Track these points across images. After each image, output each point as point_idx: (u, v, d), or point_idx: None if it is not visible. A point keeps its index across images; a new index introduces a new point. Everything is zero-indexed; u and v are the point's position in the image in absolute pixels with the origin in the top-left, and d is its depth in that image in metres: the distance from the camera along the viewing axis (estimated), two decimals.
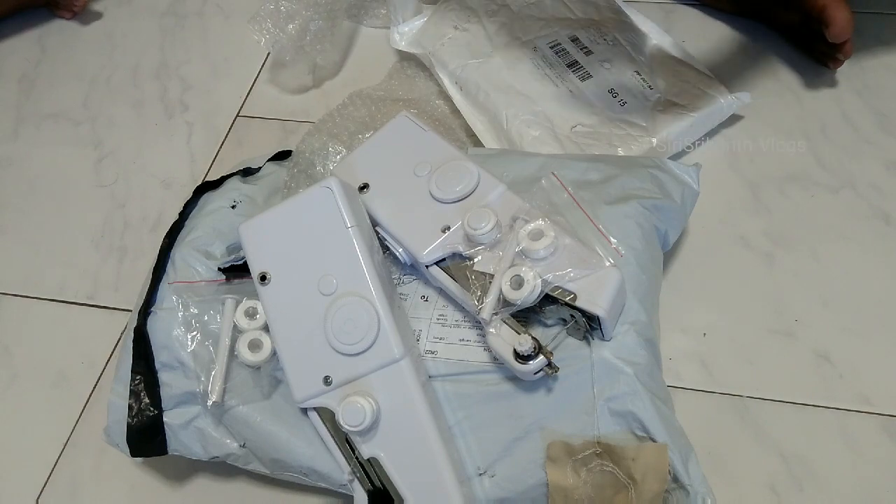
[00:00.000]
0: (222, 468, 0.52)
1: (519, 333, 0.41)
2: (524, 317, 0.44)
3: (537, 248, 0.42)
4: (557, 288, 0.42)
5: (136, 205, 0.69)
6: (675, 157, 0.63)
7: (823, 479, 0.48)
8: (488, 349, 0.44)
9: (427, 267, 0.46)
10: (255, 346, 0.46)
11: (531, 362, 0.40)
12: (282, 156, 0.61)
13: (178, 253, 0.52)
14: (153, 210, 0.68)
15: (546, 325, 0.44)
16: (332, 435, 0.43)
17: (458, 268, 0.45)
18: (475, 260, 0.44)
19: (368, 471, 0.42)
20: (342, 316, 0.43)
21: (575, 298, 0.41)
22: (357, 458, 0.42)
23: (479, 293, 0.43)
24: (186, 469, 0.53)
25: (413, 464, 0.42)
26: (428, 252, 0.46)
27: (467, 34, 0.70)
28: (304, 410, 0.44)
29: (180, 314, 0.49)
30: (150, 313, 0.50)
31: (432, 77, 0.70)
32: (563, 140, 0.61)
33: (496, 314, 0.42)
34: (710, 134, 0.65)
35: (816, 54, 0.69)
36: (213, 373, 0.47)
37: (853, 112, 0.66)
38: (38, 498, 0.53)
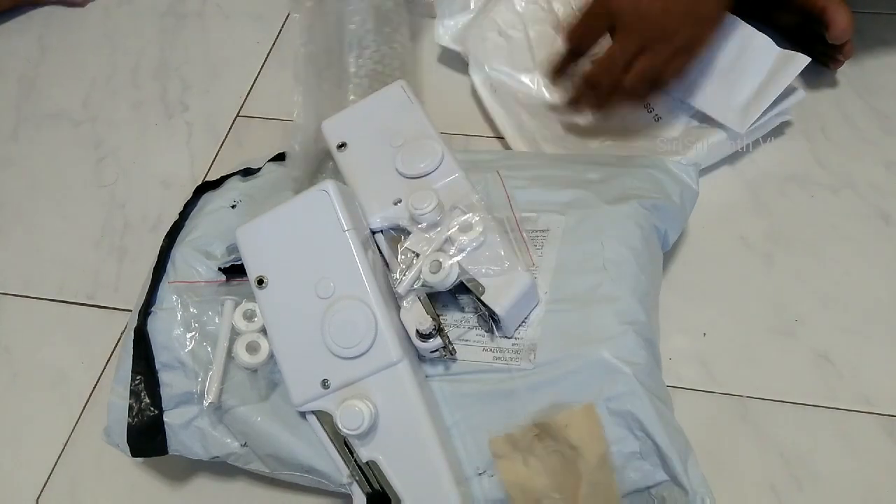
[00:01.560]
0: (223, 468, 0.52)
1: (427, 314, 0.43)
2: (447, 300, 0.46)
3: (463, 239, 0.44)
4: (473, 279, 0.44)
5: (136, 205, 0.69)
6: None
7: (823, 479, 0.48)
8: (487, 349, 0.45)
9: (373, 233, 0.48)
10: (252, 348, 0.46)
11: (429, 341, 0.43)
12: (282, 157, 0.61)
13: (179, 253, 0.52)
14: (153, 210, 0.68)
15: (463, 312, 0.46)
16: (330, 438, 0.43)
17: (396, 241, 0.47)
18: (407, 238, 0.46)
19: (367, 473, 0.42)
20: (339, 319, 0.43)
21: (483, 292, 0.43)
22: (356, 460, 0.43)
23: (402, 268, 0.45)
24: (187, 469, 0.53)
25: (412, 466, 0.42)
26: (373, 218, 0.48)
27: (511, 43, 0.69)
28: (303, 414, 0.44)
29: (179, 314, 0.49)
30: (150, 313, 0.50)
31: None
32: (590, 151, 0.61)
33: (412, 291, 0.44)
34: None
35: (816, 55, 0.69)
36: (209, 374, 0.47)
37: (853, 112, 0.66)
38: (38, 498, 0.53)
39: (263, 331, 0.46)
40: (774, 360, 0.53)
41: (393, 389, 0.42)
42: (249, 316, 0.47)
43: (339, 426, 0.41)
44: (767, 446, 0.49)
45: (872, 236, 0.58)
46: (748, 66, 0.60)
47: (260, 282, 0.45)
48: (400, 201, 0.47)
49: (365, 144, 0.51)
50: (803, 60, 0.59)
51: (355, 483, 0.43)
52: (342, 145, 0.52)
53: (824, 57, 0.67)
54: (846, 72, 0.68)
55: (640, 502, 0.42)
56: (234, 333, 0.47)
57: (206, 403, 0.46)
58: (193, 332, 0.48)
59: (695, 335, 0.55)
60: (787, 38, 0.71)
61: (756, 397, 0.51)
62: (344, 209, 0.45)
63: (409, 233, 0.47)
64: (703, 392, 0.52)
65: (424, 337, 0.43)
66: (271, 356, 0.46)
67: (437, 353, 0.44)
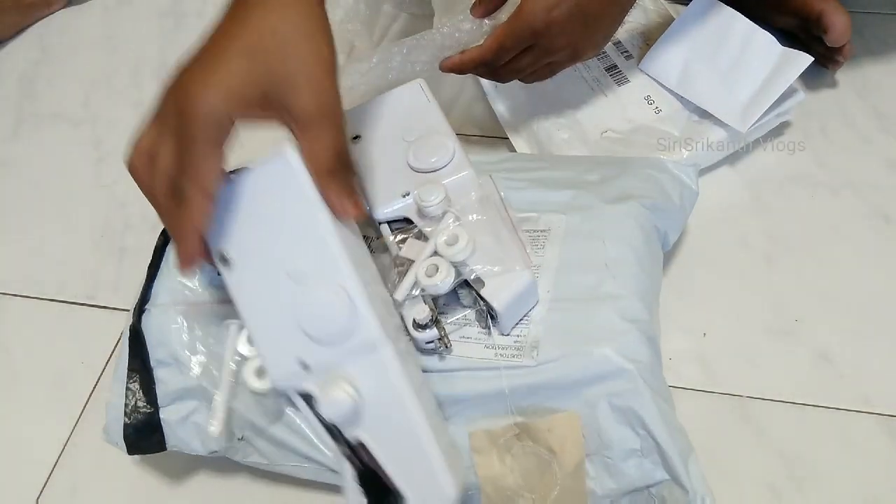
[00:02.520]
0: (223, 466, 0.52)
1: (425, 304, 0.44)
2: (449, 297, 0.46)
3: (449, 252, 0.44)
4: (474, 275, 0.44)
5: (137, 205, 0.69)
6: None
7: (823, 479, 0.48)
8: (489, 346, 0.45)
9: (379, 224, 0.49)
10: (261, 373, 0.44)
11: (426, 332, 0.43)
12: None
13: (173, 251, 0.52)
14: (153, 210, 0.68)
15: (464, 307, 0.46)
16: (316, 416, 0.41)
17: (401, 232, 0.48)
18: (402, 247, 0.46)
19: (358, 452, 0.41)
20: (315, 305, 0.40)
21: (482, 287, 0.44)
22: (346, 441, 0.41)
23: (396, 279, 0.45)
24: (187, 467, 0.53)
25: (402, 452, 0.40)
26: (382, 210, 0.48)
27: None
28: (286, 395, 0.42)
29: (185, 336, 0.48)
30: (144, 311, 0.50)
31: None
32: (591, 145, 0.61)
33: (411, 296, 0.44)
34: None
35: (815, 56, 0.69)
36: (214, 401, 0.45)
37: (853, 112, 0.66)
38: (38, 498, 0.53)
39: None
40: (774, 360, 0.53)
41: (377, 374, 0.40)
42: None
43: (322, 414, 0.40)
44: (767, 446, 0.49)
45: (872, 236, 0.58)
46: (750, 64, 0.60)
47: (223, 260, 0.41)
48: (409, 194, 0.48)
49: (379, 138, 0.52)
50: (806, 59, 0.59)
51: (346, 460, 0.41)
52: (356, 137, 0.52)
53: (823, 58, 0.68)
54: (846, 72, 0.68)
55: (641, 501, 0.42)
56: (241, 358, 0.45)
57: (211, 431, 0.45)
58: (199, 356, 0.47)
59: (695, 335, 0.55)
60: (786, 40, 0.71)
61: (756, 397, 0.51)
62: (308, 179, 0.40)
63: (414, 225, 0.47)
64: (703, 392, 0.52)
65: (421, 327, 0.44)
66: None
67: (433, 344, 0.44)
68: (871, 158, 0.63)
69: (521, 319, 0.45)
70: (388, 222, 0.49)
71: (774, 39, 0.60)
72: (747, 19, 0.61)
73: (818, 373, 0.52)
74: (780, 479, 0.48)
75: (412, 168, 0.49)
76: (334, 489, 0.49)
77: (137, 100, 0.78)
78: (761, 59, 0.60)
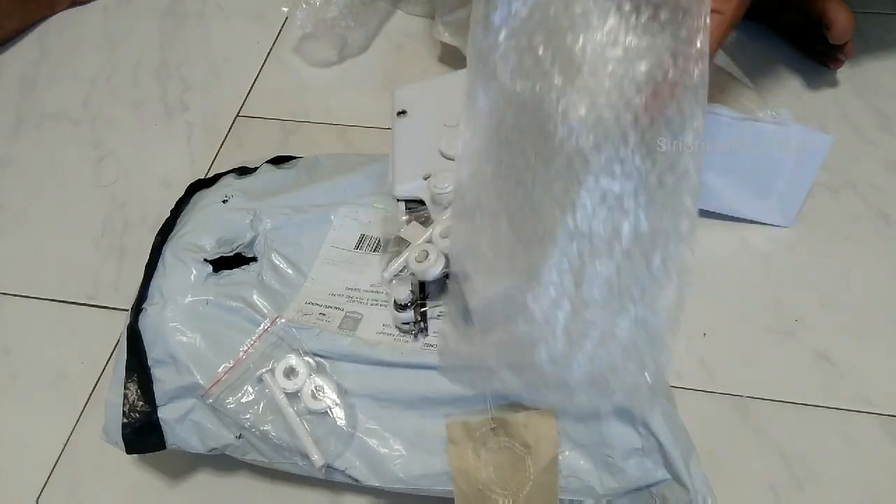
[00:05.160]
0: (222, 464, 0.52)
1: (409, 289, 0.46)
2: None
3: (443, 243, 0.45)
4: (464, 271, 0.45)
5: (136, 205, 0.69)
6: None
7: (823, 479, 0.48)
8: None
9: (398, 201, 0.51)
10: (315, 394, 0.45)
11: (403, 312, 0.45)
12: (279, 159, 0.61)
13: (169, 249, 0.52)
14: (153, 210, 0.68)
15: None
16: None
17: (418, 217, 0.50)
18: (402, 228, 0.48)
19: None
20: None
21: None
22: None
23: (391, 257, 0.47)
24: (187, 467, 0.53)
25: None
26: (400, 187, 0.50)
27: None
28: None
29: (219, 418, 0.47)
30: (141, 310, 0.50)
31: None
32: None
33: (400, 277, 0.47)
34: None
35: (817, 55, 0.69)
36: (302, 441, 0.45)
37: (853, 112, 0.66)
38: (38, 498, 0.53)
39: (315, 370, 0.46)
40: (774, 360, 0.53)
41: None
42: (289, 373, 0.46)
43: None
44: (767, 446, 0.49)
45: (872, 236, 0.58)
46: (770, 159, 0.56)
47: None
48: (430, 177, 0.49)
49: (422, 118, 0.53)
50: (826, 140, 0.55)
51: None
52: (402, 112, 0.53)
53: (824, 57, 0.68)
54: (846, 72, 0.68)
55: (642, 500, 0.42)
56: (291, 397, 0.46)
57: (320, 467, 0.44)
58: (250, 426, 0.46)
59: (695, 335, 0.55)
60: (788, 38, 0.71)
61: (756, 397, 0.51)
62: None
63: (426, 208, 0.49)
64: (703, 392, 0.52)
65: (401, 307, 0.45)
66: (339, 393, 0.45)
67: (409, 325, 0.46)
68: (871, 158, 0.63)
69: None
70: (406, 201, 0.50)
71: (784, 120, 0.56)
72: (749, 117, 0.55)
73: (818, 373, 0.52)
74: (781, 479, 0.48)
75: (442, 154, 0.50)
76: (334, 487, 0.49)
77: (137, 100, 0.78)
78: (780, 146, 0.56)
